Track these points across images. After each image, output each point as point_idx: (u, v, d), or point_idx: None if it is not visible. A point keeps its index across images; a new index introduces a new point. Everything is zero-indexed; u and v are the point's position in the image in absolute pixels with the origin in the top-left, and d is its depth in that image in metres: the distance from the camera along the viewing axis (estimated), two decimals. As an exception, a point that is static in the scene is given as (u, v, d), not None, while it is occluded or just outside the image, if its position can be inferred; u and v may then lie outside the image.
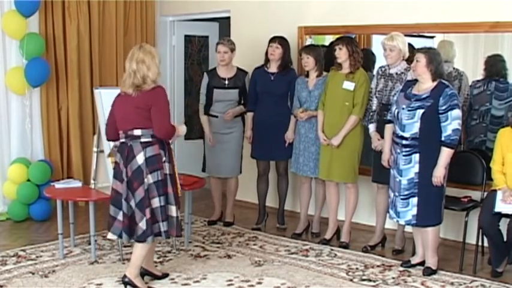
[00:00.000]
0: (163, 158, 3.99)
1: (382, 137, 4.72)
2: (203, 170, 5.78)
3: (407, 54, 4.78)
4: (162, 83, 6.75)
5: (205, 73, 5.77)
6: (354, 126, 4.95)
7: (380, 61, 5.16)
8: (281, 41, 5.42)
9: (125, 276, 4.11)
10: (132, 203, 3.99)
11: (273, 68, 5.46)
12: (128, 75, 3.96)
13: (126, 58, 4.05)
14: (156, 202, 3.97)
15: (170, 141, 4.17)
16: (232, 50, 5.57)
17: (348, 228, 5.20)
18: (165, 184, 4.00)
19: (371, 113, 4.92)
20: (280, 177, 5.66)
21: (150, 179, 3.95)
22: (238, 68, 5.68)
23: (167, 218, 4.02)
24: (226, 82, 5.58)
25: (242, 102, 5.66)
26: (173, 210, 4.04)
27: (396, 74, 4.80)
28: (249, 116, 5.61)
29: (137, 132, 3.96)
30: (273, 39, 5.43)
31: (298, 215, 5.67)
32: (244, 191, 6.35)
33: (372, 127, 4.91)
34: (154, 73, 3.96)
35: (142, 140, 3.96)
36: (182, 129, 4.22)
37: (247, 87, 5.62)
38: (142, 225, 3.96)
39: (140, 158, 3.95)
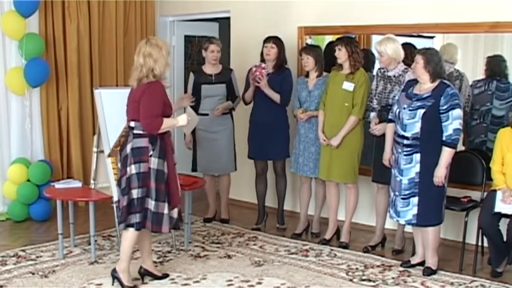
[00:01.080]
0: (150, 152, 4.00)
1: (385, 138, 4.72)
2: (193, 170, 5.79)
3: (399, 59, 4.77)
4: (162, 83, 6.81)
5: (191, 72, 5.83)
6: (353, 126, 4.95)
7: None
8: (276, 40, 5.43)
9: (114, 269, 4.16)
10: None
11: (269, 68, 5.45)
12: (135, 69, 4.04)
13: (135, 53, 4.10)
14: (134, 193, 4.00)
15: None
16: (221, 48, 5.70)
17: (348, 228, 5.20)
18: (147, 177, 4.00)
19: (371, 108, 4.93)
20: (278, 177, 5.66)
21: (132, 169, 3.99)
22: (223, 66, 5.80)
23: (142, 210, 4.02)
24: (213, 78, 5.65)
25: (230, 98, 5.71)
26: (152, 204, 4.03)
27: (394, 76, 4.80)
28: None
29: (132, 124, 4.05)
30: (268, 40, 5.44)
31: (298, 215, 5.68)
32: (244, 191, 6.36)
33: (372, 114, 4.90)
34: (162, 65, 4.01)
35: (135, 131, 4.03)
36: (182, 119, 4.19)
37: (233, 83, 5.71)
38: (122, 210, 4.04)
39: (128, 148, 4.03)
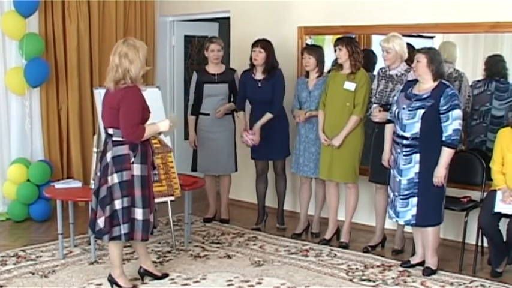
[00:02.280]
0: (132, 159, 3.93)
1: (383, 137, 4.71)
2: (193, 170, 5.79)
3: (406, 56, 4.78)
4: (162, 83, 6.84)
5: (194, 72, 5.84)
6: (355, 126, 4.95)
7: (381, 62, 5.15)
8: (264, 44, 5.36)
9: (109, 275, 4.14)
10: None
11: (258, 74, 5.42)
12: (111, 69, 3.93)
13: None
14: (118, 204, 3.92)
15: (165, 136, 4.22)
16: (223, 47, 5.71)
17: (348, 228, 5.20)
18: (131, 185, 3.94)
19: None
20: (278, 177, 5.65)
21: (115, 178, 3.91)
22: (227, 66, 5.82)
23: (129, 221, 3.96)
24: (216, 77, 5.65)
25: (232, 99, 5.71)
26: (139, 213, 3.97)
27: (396, 75, 4.80)
28: (241, 114, 5.57)
29: (110, 131, 3.97)
30: (256, 44, 5.38)
31: (298, 215, 5.67)
32: (244, 191, 6.36)
33: (374, 105, 4.87)
34: (137, 67, 3.89)
35: (114, 138, 3.95)
36: (164, 125, 4.10)
37: (236, 84, 5.68)
38: (100, 222, 3.96)
39: (108, 156, 3.95)
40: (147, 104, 4.04)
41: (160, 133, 4.20)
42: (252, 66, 5.44)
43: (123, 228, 3.95)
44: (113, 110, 3.90)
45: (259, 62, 5.36)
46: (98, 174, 4.05)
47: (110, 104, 3.94)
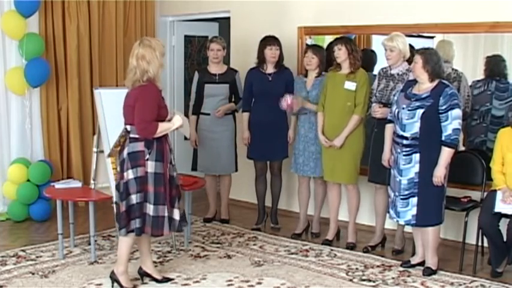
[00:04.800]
0: (147, 156, 3.97)
1: (382, 137, 4.71)
2: (193, 169, 5.80)
3: (408, 55, 4.78)
4: (162, 83, 6.82)
5: (196, 71, 5.86)
6: (356, 125, 4.94)
7: (381, 61, 5.16)
8: (279, 42, 5.42)
9: (112, 272, 4.14)
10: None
11: (269, 68, 5.44)
12: (130, 71, 4.02)
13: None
14: (133, 199, 3.98)
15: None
16: (224, 47, 5.70)
17: (353, 228, 5.19)
18: (144, 182, 3.98)
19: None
20: (274, 177, 5.64)
21: (130, 174, 3.97)
22: (228, 67, 5.82)
23: (141, 216, 4.00)
24: (217, 77, 5.66)
25: (233, 99, 5.71)
26: (150, 209, 4.00)
27: (398, 74, 4.80)
28: (245, 116, 5.59)
29: (128, 127, 4.03)
30: (272, 42, 5.39)
31: (294, 214, 5.68)
32: (244, 191, 6.36)
33: (374, 104, 4.87)
34: (155, 67, 3.98)
35: (131, 135, 4.01)
36: (176, 121, 4.13)
37: (237, 84, 5.69)
38: (119, 216, 4.02)
39: (125, 152, 4.01)
40: (165, 103, 4.12)
41: (177, 129, 4.23)
42: (261, 62, 5.45)
43: (136, 223, 4.00)
44: (130, 107, 3.98)
45: (276, 59, 5.40)
46: (118, 168, 4.10)
47: (128, 102, 4.02)
